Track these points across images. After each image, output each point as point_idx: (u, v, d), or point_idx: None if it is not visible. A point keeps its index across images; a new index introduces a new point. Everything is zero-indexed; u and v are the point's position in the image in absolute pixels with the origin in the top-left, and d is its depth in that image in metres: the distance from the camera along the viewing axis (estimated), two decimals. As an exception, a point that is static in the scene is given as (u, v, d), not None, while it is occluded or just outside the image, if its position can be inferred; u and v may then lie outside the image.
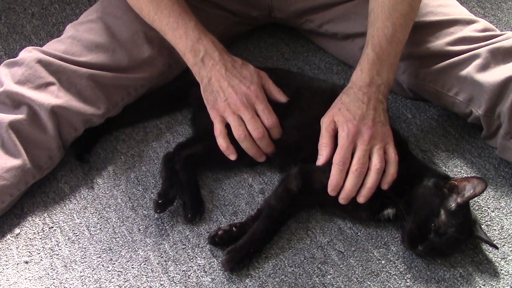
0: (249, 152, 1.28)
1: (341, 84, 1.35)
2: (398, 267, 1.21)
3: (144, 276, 1.19)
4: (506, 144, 1.32)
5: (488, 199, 1.31)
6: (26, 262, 1.21)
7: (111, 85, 1.34)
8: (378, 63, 1.24)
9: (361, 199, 1.20)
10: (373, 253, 1.23)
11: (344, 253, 1.23)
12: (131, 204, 1.29)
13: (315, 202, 1.27)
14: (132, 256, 1.22)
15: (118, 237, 1.24)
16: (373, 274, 1.20)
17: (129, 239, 1.24)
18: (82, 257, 1.22)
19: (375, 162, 1.20)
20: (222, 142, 1.26)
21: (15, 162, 1.24)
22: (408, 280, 1.19)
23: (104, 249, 1.23)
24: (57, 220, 1.27)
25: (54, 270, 1.20)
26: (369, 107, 1.22)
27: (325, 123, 1.23)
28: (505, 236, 1.26)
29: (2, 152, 1.24)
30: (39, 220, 1.27)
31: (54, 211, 1.28)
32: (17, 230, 1.25)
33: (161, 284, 1.18)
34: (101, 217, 1.28)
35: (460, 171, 1.36)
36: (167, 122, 1.44)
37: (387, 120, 1.24)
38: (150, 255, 1.22)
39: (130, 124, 1.42)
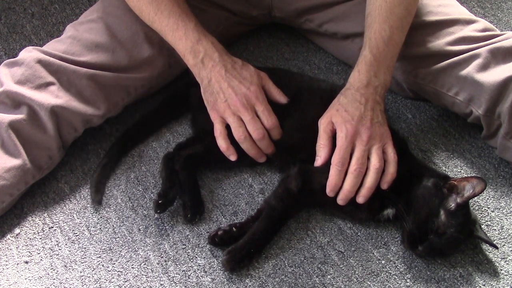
0: (249, 153, 1.28)
1: (340, 84, 1.35)
2: (398, 267, 1.21)
3: (144, 276, 1.19)
4: (506, 144, 1.32)
5: (488, 199, 1.31)
6: (26, 262, 1.21)
7: (111, 85, 1.34)
8: (375, 65, 1.24)
9: (360, 199, 1.20)
10: (373, 253, 1.23)
11: (344, 253, 1.23)
12: (131, 204, 1.30)
13: (315, 202, 1.27)
14: (132, 256, 1.22)
15: (118, 237, 1.25)
16: (373, 274, 1.20)
17: (129, 239, 1.24)
18: (82, 257, 1.22)
19: (374, 162, 1.20)
20: (222, 143, 1.26)
21: (15, 162, 1.24)
22: (408, 280, 1.19)
23: (104, 249, 1.23)
24: (57, 220, 1.27)
25: (54, 270, 1.20)
26: (367, 108, 1.22)
27: (323, 124, 1.23)
28: (505, 236, 1.26)
29: (2, 152, 1.24)
30: (39, 220, 1.27)
31: (54, 211, 1.28)
32: (17, 230, 1.25)
33: (161, 284, 1.18)
34: (101, 217, 1.28)
35: (460, 171, 1.36)
36: (169, 123, 1.44)
37: (385, 120, 1.25)
38: (150, 255, 1.22)
39: (143, 141, 1.40)
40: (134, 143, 1.39)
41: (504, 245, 1.25)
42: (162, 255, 1.22)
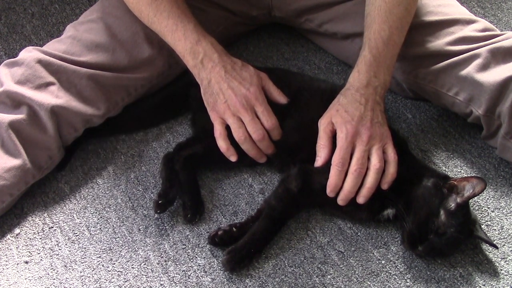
0: (249, 154, 1.28)
1: (340, 84, 1.35)
2: (398, 267, 1.21)
3: (144, 276, 1.19)
4: (506, 144, 1.32)
5: (488, 199, 1.31)
6: (26, 262, 1.21)
7: (111, 85, 1.34)
8: (375, 65, 1.24)
9: (360, 199, 1.20)
10: (373, 253, 1.23)
11: (344, 253, 1.23)
12: (131, 204, 1.30)
13: (315, 202, 1.27)
14: (132, 256, 1.22)
15: (118, 237, 1.25)
16: (373, 274, 1.20)
17: (129, 239, 1.24)
18: (82, 257, 1.22)
19: (374, 162, 1.20)
20: (222, 143, 1.26)
21: (15, 162, 1.24)
22: (408, 280, 1.19)
23: (104, 249, 1.23)
24: (57, 220, 1.27)
25: (54, 270, 1.20)
26: (367, 108, 1.22)
27: (323, 124, 1.23)
28: (505, 236, 1.26)
29: (2, 152, 1.24)
30: (39, 220, 1.27)
31: (54, 211, 1.28)
32: (17, 230, 1.25)
33: (161, 284, 1.18)
34: (101, 217, 1.28)
35: (460, 171, 1.36)
36: (167, 122, 1.44)
37: (385, 120, 1.25)
38: (150, 255, 1.22)
39: (132, 132, 1.41)
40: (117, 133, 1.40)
41: (504, 245, 1.25)
42: (162, 255, 1.22)
